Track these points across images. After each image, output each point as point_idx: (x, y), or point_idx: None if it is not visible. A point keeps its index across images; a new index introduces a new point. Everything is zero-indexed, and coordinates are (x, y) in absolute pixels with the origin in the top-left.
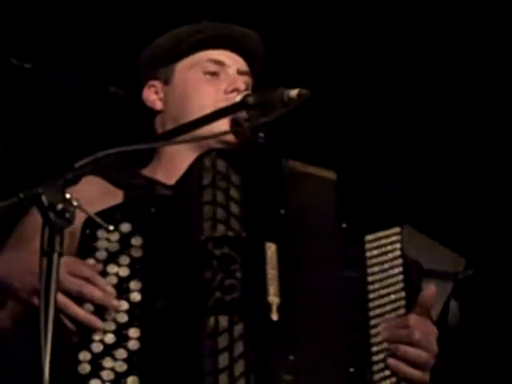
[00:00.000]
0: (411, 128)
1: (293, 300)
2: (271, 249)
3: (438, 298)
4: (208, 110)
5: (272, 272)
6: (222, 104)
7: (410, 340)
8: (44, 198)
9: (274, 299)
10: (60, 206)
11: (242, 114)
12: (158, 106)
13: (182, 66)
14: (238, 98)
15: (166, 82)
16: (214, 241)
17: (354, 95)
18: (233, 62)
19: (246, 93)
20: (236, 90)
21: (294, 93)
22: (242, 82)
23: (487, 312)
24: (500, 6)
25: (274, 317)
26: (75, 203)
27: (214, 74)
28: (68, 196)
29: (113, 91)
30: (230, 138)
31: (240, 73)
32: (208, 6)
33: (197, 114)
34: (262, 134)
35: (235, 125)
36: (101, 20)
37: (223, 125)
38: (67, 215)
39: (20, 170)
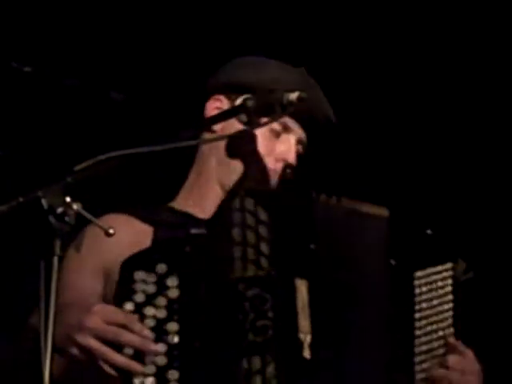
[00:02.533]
0: (410, 129)
1: (326, 336)
2: (302, 285)
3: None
4: (249, 164)
5: (303, 309)
6: (266, 168)
7: (448, 381)
8: (44, 202)
9: (305, 336)
10: (60, 210)
11: (242, 117)
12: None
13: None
14: (238, 100)
15: (233, 104)
16: (245, 282)
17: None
18: (297, 130)
19: (246, 96)
20: (286, 163)
21: (293, 96)
22: (294, 157)
23: (487, 315)
24: (500, 6)
25: (307, 354)
26: (75, 207)
27: (277, 133)
28: (68, 199)
29: (112, 95)
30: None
31: (299, 142)
32: (206, 6)
33: (237, 161)
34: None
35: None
36: (100, 24)
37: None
38: (67, 219)
39: (19, 173)
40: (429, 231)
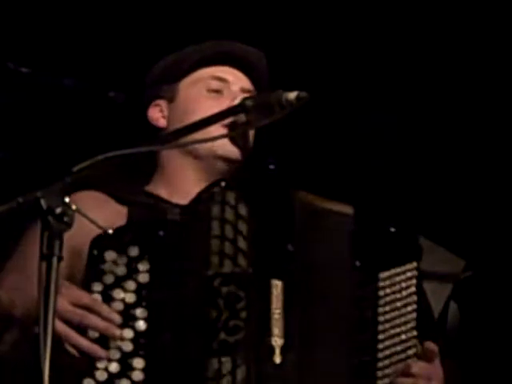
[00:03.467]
0: (410, 132)
1: (297, 342)
2: (277, 287)
3: (438, 300)
4: (211, 127)
5: (277, 311)
6: (226, 121)
7: None
8: (43, 202)
9: (277, 340)
10: (59, 210)
11: (241, 117)
12: (162, 123)
13: (186, 84)
14: (236, 100)
15: (171, 100)
16: (221, 277)
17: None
18: (236, 79)
19: (244, 95)
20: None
21: (292, 95)
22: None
23: (487, 313)
24: (500, 6)
25: (277, 359)
26: (74, 207)
27: (217, 91)
28: (67, 200)
29: (111, 96)
30: (227, 144)
31: (243, 91)
32: (205, 6)
33: (199, 130)
34: (272, 165)
35: (232, 129)
36: (98, 24)
37: (220, 129)
38: (66, 219)
39: (18, 174)
40: (392, 229)
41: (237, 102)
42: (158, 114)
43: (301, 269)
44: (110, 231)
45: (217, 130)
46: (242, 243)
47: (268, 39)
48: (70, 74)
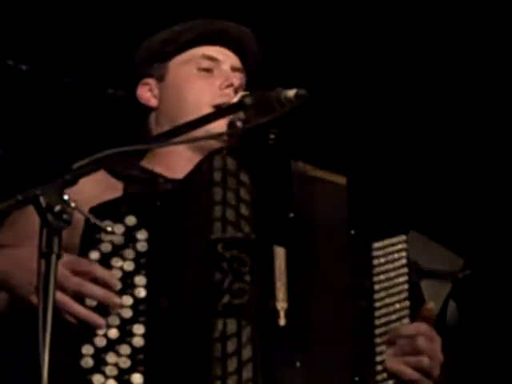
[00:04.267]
0: (410, 127)
1: (300, 306)
2: (280, 253)
3: (437, 298)
4: (203, 107)
5: (280, 277)
6: (218, 100)
7: (414, 347)
8: (42, 200)
9: (281, 304)
10: (58, 208)
11: (240, 115)
12: (153, 103)
13: (176, 63)
14: (235, 98)
15: (160, 78)
16: (224, 242)
17: (361, 99)
18: (226, 58)
19: (242, 93)
20: (231, 85)
21: (291, 93)
22: (237, 78)
23: (486, 312)
24: (500, 6)
25: (282, 322)
26: (73, 204)
27: (207, 70)
28: (66, 197)
29: (111, 92)
30: (224, 126)
31: (233, 69)
32: (205, 9)
33: (191, 110)
34: (272, 135)
35: (230, 127)
36: (97, 21)
37: (219, 126)
38: (65, 216)
39: (17, 172)
40: (382, 202)
41: (236, 99)
42: (147, 94)
43: (301, 236)
44: (109, 228)
45: (217, 126)
46: (244, 210)
47: (267, 37)
48: (70, 71)
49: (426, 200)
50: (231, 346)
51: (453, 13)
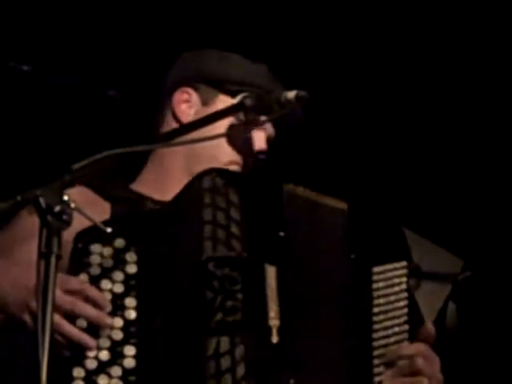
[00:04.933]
0: (408, 127)
1: (293, 323)
2: (271, 271)
3: (437, 300)
4: (227, 156)
5: (272, 294)
6: (240, 161)
7: (412, 368)
8: (42, 200)
9: (274, 322)
10: (58, 208)
11: (240, 116)
12: (185, 119)
13: (225, 102)
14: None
15: (205, 102)
16: (215, 261)
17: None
18: (268, 127)
19: (244, 94)
20: (257, 155)
21: (291, 94)
22: (266, 148)
23: (485, 314)
24: (500, 6)
25: (275, 339)
26: (73, 205)
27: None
28: (66, 198)
29: (110, 94)
30: (231, 153)
31: (268, 140)
32: (205, 10)
33: (215, 153)
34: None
35: (229, 129)
36: (97, 23)
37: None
38: (65, 217)
39: (17, 172)
40: (383, 228)
41: (236, 101)
42: (184, 106)
43: (293, 255)
44: (108, 229)
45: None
46: (234, 229)
47: (268, 39)
48: (69, 72)
49: (427, 203)
50: (225, 363)
51: (452, 14)
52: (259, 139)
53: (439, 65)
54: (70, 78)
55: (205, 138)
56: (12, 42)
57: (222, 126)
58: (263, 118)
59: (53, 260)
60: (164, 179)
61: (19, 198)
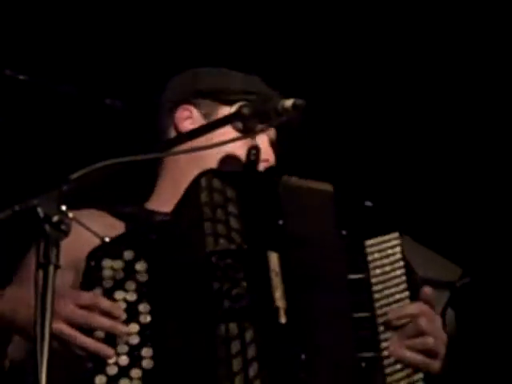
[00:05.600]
0: (406, 135)
1: (299, 303)
2: (273, 257)
3: (435, 307)
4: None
5: (276, 278)
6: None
7: (417, 329)
8: (39, 210)
9: (280, 303)
10: (56, 218)
11: (238, 124)
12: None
13: (225, 113)
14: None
15: (206, 116)
16: (218, 254)
17: (343, 103)
18: (269, 130)
19: (241, 103)
20: (266, 161)
21: (288, 103)
22: (272, 156)
23: (484, 321)
24: (500, 6)
25: (283, 320)
26: (71, 215)
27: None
28: (64, 208)
29: (108, 103)
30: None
31: (272, 143)
32: (204, 11)
33: (222, 166)
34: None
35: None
36: (95, 31)
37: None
38: (63, 227)
39: (15, 182)
40: (368, 203)
41: (233, 109)
42: (187, 122)
43: (293, 240)
44: (107, 239)
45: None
46: (234, 223)
47: (266, 46)
48: (67, 80)
49: (424, 210)
50: (235, 347)
51: (452, 14)
52: (264, 147)
53: (437, 68)
54: (67, 86)
55: (206, 147)
56: (8, 51)
57: (227, 134)
58: (261, 126)
59: (51, 270)
60: (175, 193)
61: (17, 207)
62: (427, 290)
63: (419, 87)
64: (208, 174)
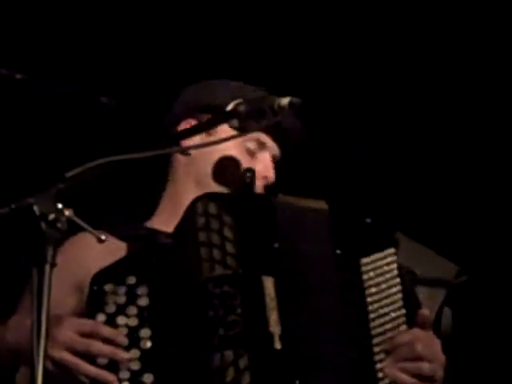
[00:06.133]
0: (404, 133)
1: (294, 328)
2: (268, 281)
3: (432, 306)
4: (231, 186)
5: (271, 303)
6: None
7: (413, 353)
8: (36, 208)
9: (275, 329)
10: (52, 216)
11: (234, 123)
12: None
13: (227, 130)
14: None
15: (209, 132)
16: (213, 281)
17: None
18: (271, 146)
19: (237, 101)
20: (266, 177)
21: (284, 101)
22: (272, 173)
23: (481, 319)
24: (500, 6)
25: (277, 345)
26: (67, 213)
27: (251, 153)
28: (60, 206)
29: (104, 101)
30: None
31: (273, 159)
32: (199, 10)
33: (220, 181)
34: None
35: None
36: (91, 30)
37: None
38: (59, 225)
39: (11, 180)
40: (368, 220)
41: (230, 108)
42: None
43: (288, 263)
44: (103, 237)
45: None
46: (229, 247)
47: (262, 45)
48: (64, 79)
49: (421, 208)
50: (230, 374)
51: (451, 15)
52: (265, 164)
53: (433, 76)
54: (63, 85)
55: (204, 144)
56: (4, 50)
57: (228, 147)
58: (257, 124)
59: (47, 268)
60: (175, 209)
61: (13, 206)
62: (424, 312)
63: (413, 96)
64: (204, 198)
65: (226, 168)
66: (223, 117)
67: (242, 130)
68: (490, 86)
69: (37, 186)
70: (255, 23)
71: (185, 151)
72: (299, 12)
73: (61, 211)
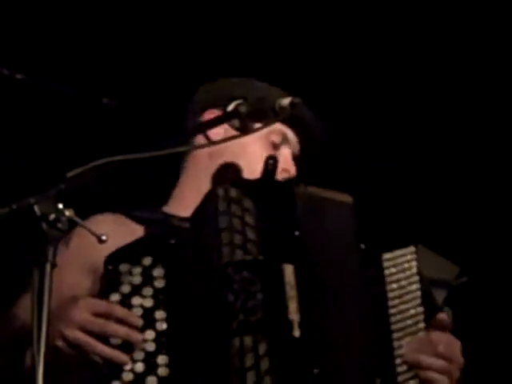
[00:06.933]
0: (405, 135)
1: (313, 316)
2: (288, 269)
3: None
4: (255, 173)
5: (291, 291)
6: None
7: (433, 352)
8: (36, 208)
9: (294, 316)
10: (52, 216)
11: (235, 123)
12: (215, 138)
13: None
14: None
15: (233, 124)
16: (233, 265)
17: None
18: (294, 142)
19: (237, 102)
20: (287, 171)
21: (285, 102)
22: (293, 169)
23: (481, 319)
24: (500, 6)
25: (296, 333)
26: (68, 213)
27: (275, 145)
28: (61, 206)
29: (105, 102)
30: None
31: (294, 156)
32: (199, 10)
33: (246, 170)
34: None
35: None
36: (92, 31)
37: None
38: (60, 225)
39: (12, 180)
40: (389, 219)
41: (231, 108)
42: (218, 128)
43: (309, 252)
44: (104, 237)
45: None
46: (250, 233)
47: (264, 45)
48: (64, 80)
49: (423, 210)
50: (249, 360)
51: (453, 13)
52: (286, 159)
53: (435, 79)
54: (64, 86)
55: (206, 144)
56: (5, 51)
57: (253, 139)
58: (258, 125)
59: (48, 268)
60: (193, 197)
61: (14, 206)
62: (442, 316)
63: (419, 100)
64: (226, 183)
65: (249, 162)
66: (224, 117)
67: (243, 131)
68: (491, 87)
69: (37, 186)
70: (255, 23)
71: (204, 147)
72: (299, 13)
73: (61, 211)
